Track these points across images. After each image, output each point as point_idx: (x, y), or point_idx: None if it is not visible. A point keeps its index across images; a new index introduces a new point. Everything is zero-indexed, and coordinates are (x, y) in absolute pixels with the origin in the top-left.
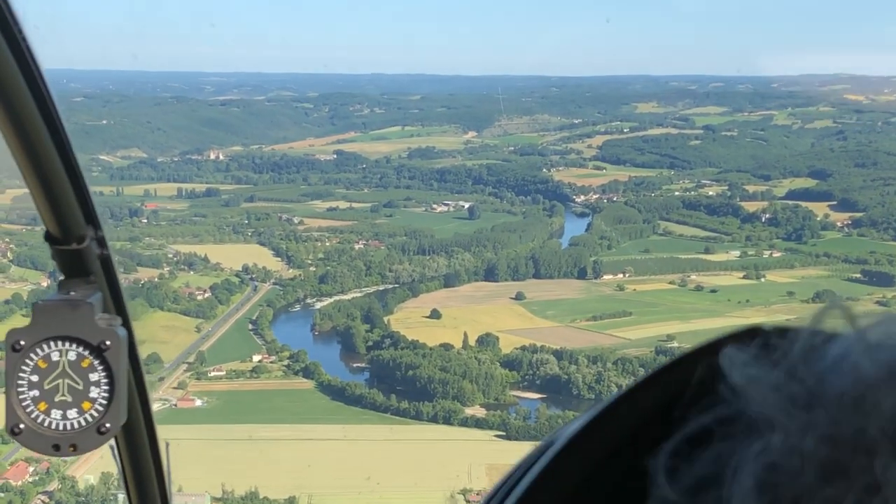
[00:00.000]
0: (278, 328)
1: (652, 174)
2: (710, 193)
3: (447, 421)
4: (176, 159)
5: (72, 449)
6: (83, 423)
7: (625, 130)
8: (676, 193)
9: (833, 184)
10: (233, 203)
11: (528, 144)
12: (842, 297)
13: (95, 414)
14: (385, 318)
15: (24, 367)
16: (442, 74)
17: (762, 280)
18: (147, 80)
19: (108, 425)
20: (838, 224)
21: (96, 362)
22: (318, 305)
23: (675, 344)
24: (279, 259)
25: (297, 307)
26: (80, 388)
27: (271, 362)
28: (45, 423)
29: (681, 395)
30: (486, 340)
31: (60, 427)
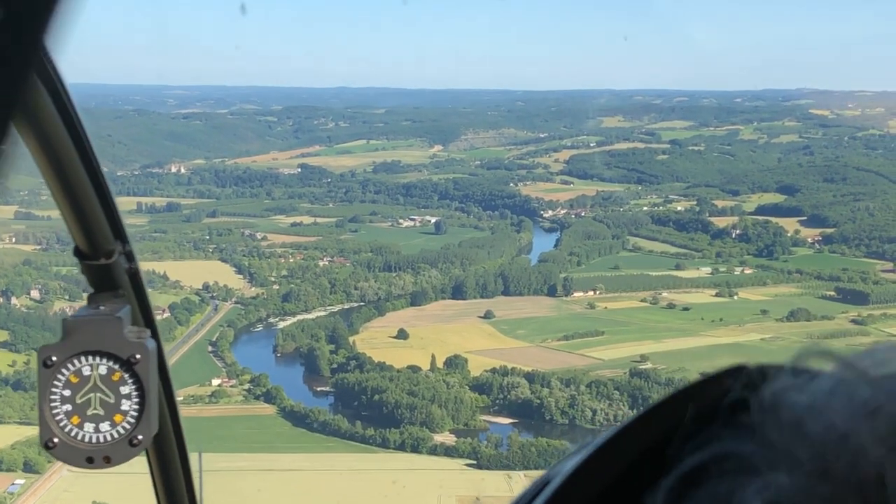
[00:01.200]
0: (239, 350)
1: (620, 189)
2: (679, 209)
3: (415, 449)
4: (136, 173)
5: (105, 461)
6: (116, 435)
7: (591, 145)
8: (645, 208)
9: (802, 199)
10: (194, 218)
11: (494, 158)
12: (815, 315)
13: (127, 426)
14: (350, 339)
15: (56, 383)
16: (407, 88)
17: (735, 298)
18: (108, 94)
19: (140, 437)
20: (809, 240)
21: (127, 375)
22: (281, 325)
23: (650, 365)
24: (241, 276)
25: (260, 327)
26: (112, 401)
27: (231, 386)
28: (79, 437)
29: (674, 432)
30: (455, 362)
31: (93, 440)
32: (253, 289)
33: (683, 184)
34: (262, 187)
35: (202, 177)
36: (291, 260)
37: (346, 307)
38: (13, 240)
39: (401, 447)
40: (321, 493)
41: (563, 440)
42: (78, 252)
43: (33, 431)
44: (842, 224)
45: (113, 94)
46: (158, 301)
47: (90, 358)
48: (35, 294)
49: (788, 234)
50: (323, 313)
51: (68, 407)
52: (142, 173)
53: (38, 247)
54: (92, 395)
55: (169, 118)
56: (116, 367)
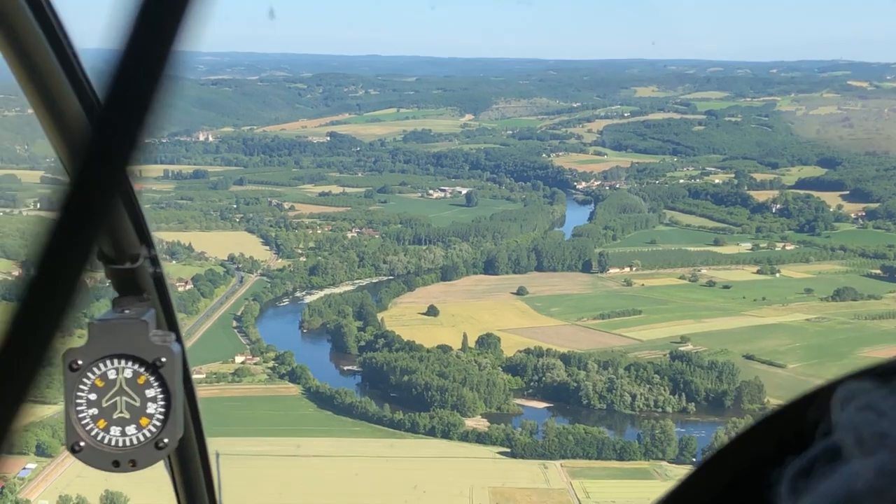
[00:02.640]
0: (264, 325)
1: (655, 160)
2: (717, 181)
3: (446, 435)
4: (164, 140)
5: (131, 465)
6: (142, 438)
7: (625, 115)
8: (681, 181)
9: (844, 172)
10: (221, 186)
11: (526, 128)
12: (862, 294)
13: (153, 429)
14: (378, 315)
15: (81, 386)
16: (438, 57)
17: (777, 275)
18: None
19: (165, 440)
20: (852, 215)
21: (152, 379)
22: (308, 299)
23: (690, 346)
24: (268, 248)
25: (286, 301)
26: (138, 404)
27: (255, 364)
28: (105, 441)
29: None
30: (487, 341)
31: (119, 444)
32: (279, 261)
33: (720, 156)
34: (290, 156)
35: (230, 145)
36: (319, 231)
37: (374, 281)
38: (38, 206)
39: (431, 433)
40: (345, 487)
41: (601, 426)
42: (102, 256)
43: (49, 411)
44: (886, 199)
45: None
46: (183, 273)
47: (116, 361)
48: None
49: (831, 209)
50: (350, 287)
51: (94, 411)
52: (169, 140)
53: None
54: (118, 398)
55: (198, 84)
56: (142, 370)
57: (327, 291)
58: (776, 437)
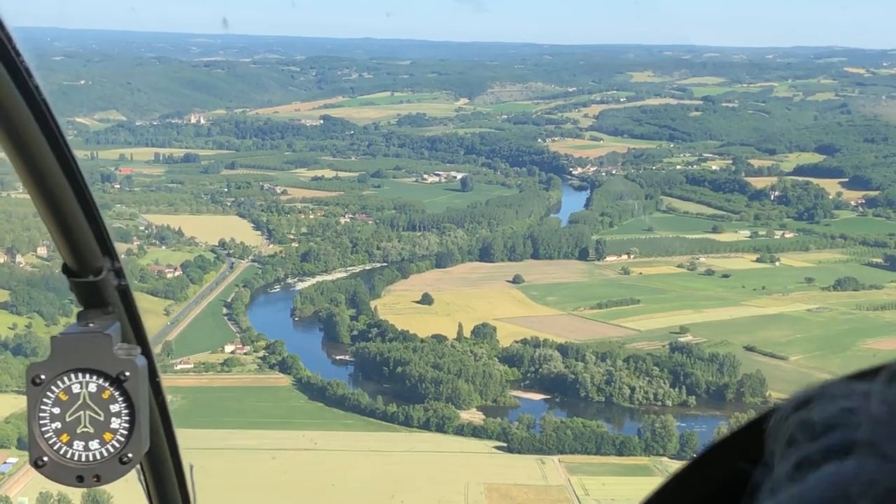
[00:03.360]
0: (255, 312)
1: (651, 146)
2: (714, 168)
3: (440, 428)
4: (155, 123)
5: (95, 479)
6: (105, 453)
7: (621, 100)
8: (678, 167)
9: (842, 159)
10: (212, 169)
11: (521, 113)
12: (864, 284)
13: (117, 444)
14: (372, 303)
15: (45, 400)
16: (432, 40)
17: (776, 264)
18: (133, 41)
19: (130, 455)
20: (852, 203)
21: (116, 393)
22: (300, 286)
23: (690, 337)
24: (259, 233)
25: (277, 288)
26: (102, 419)
27: (245, 353)
28: (68, 455)
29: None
30: (483, 331)
31: (83, 458)
32: (271, 246)
33: (717, 142)
34: (283, 139)
35: (222, 127)
36: (312, 216)
37: (367, 268)
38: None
39: (425, 426)
40: (339, 478)
41: (600, 420)
42: (66, 269)
43: None
44: (886, 187)
45: (136, 42)
46: (172, 258)
47: (79, 375)
48: (42, 251)
49: (830, 197)
50: (343, 274)
51: (58, 425)
52: (161, 123)
53: None
54: (81, 412)
55: (191, 66)
56: (106, 384)
57: (319, 278)
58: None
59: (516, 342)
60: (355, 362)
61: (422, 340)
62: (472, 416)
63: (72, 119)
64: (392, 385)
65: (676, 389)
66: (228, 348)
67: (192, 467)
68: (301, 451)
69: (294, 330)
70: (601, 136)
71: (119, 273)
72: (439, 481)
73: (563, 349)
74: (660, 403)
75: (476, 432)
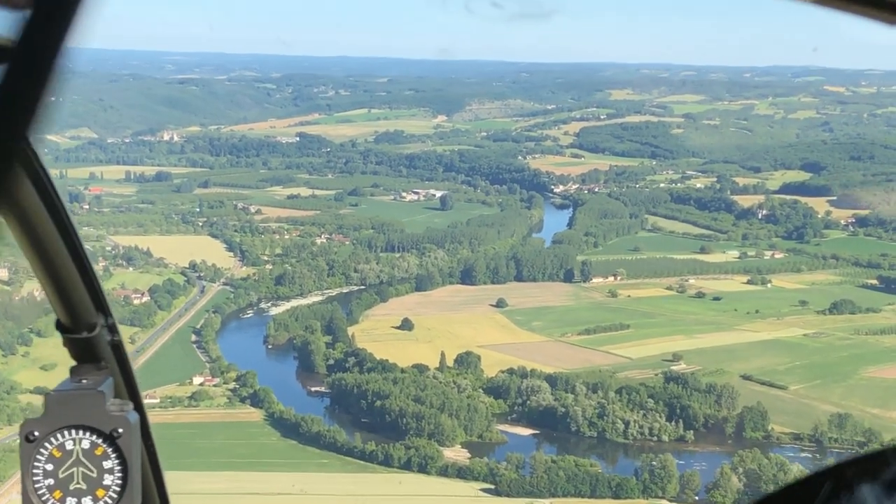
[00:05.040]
0: (226, 339)
1: (633, 163)
2: (699, 186)
3: (423, 469)
4: (127, 140)
5: None
6: None
7: (602, 117)
8: (662, 185)
9: (829, 178)
10: (185, 188)
11: (501, 130)
12: (860, 307)
13: (109, 501)
14: (349, 330)
15: (38, 457)
16: (409, 58)
17: (768, 286)
18: (108, 58)
19: None
20: (842, 222)
21: (110, 450)
22: (274, 311)
23: (683, 365)
24: (232, 254)
25: (250, 313)
26: (95, 475)
27: (214, 386)
28: None
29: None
30: (466, 360)
31: None
32: (244, 268)
33: (700, 159)
34: (258, 156)
35: (196, 145)
36: (287, 237)
37: (344, 291)
38: None
39: (406, 466)
40: None
41: (592, 457)
42: (60, 326)
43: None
44: (876, 206)
45: (111, 59)
46: (140, 282)
47: (73, 432)
48: (2, 274)
49: (819, 216)
50: (319, 298)
51: (51, 481)
52: (133, 141)
53: None
54: (74, 469)
55: (164, 83)
56: (99, 441)
57: (294, 303)
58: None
59: (502, 372)
60: (332, 394)
61: (402, 371)
62: (456, 453)
63: (41, 137)
64: (371, 419)
65: (673, 423)
66: (197, 380)
67: None
68: (274, 496)
69: (267, 359)
70: (582, 154)
71: (112, 329)
72: None
73: (552, 379)
74: (656, 439)
75: (461, 473)
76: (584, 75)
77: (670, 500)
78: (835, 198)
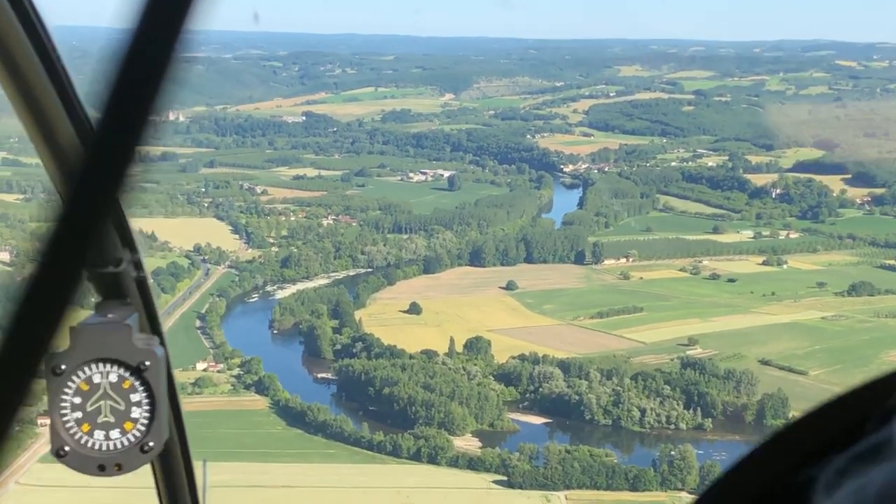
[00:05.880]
0: (231, 324)
1: (644, 142)
2: (710, 164)
3: (432, 459)
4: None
5: (117, 468)
6: (126, 443)
7: (611, 94)
8: (673, 164)
9: (843, 155)
10: (190, 169)
11: (509, 108)
12: (879, 289)
13: (138, 434)
14: (356, 314)
15: (66, 390)
16: (416, 35)
17: (784, 267)
18: (114, 36)
19: (151, 444)
20: (857, 201)
21: (137, 383)
22: (279, 295)
23: (699, 350)
24: (237, 237)
25: (255, 297)
26: (122, 408)
27: (218, 372)
28: (89, 445)
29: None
30: (476, 345)
31: (104, 448)
32: (249, 251)
33: (711, 137)
34: (264, 136)
35: (201, 125)
36: (293, 218)
37: (351, 274)
38: None
39: (415, 457)
40: None
41: (607, 446)
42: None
43: None
44: (892, 184)
45: (117, 37)
46: None
47: (100, 365)
48: (4, 256)
49: (834, 194)
50: (326, 281)
51: (78, 415)
52: None
53: (22, 196)
54: (102, 402)
55: None
56: (127, 374)
57: (300, 286)
58: (822, 433)
59: (513, 358)
60: (338, 381)
61: (411, 356)
62: (467, 443)
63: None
64: (379, 407)
65: (691, 411)
66: (200, 366)
67: (204, 462)
68: (279, 489)
69: (272, 344)
70: (591, 132)
71: (138, 265)
72: None
73: (565, 365)
74: (673, 427)
75: (472, 464)
76: (592, 52)
77: (690, 493)
78: (849, 176)
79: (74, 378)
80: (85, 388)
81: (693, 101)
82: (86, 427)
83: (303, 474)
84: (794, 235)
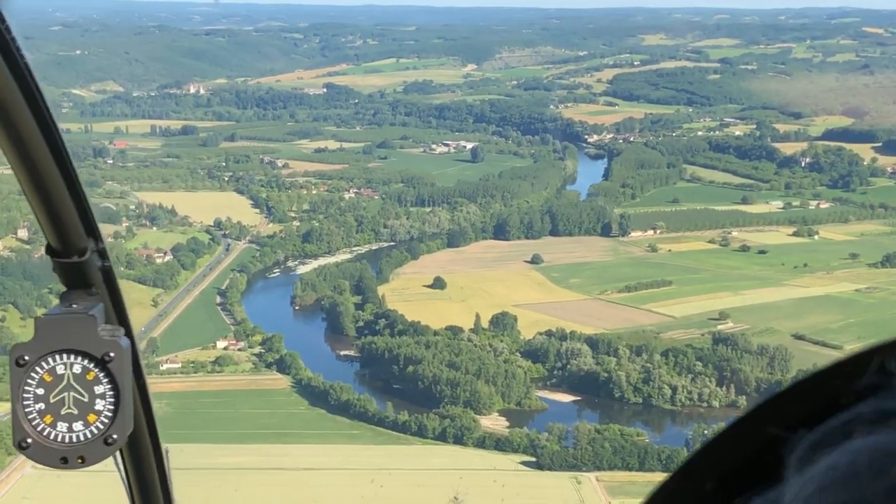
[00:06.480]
0: (252, 300)
1: (669, 111)
2: (738, 133)
3: (459, 440)
4: (153, 94)
5: (80, 461)
6: (89, 435)
7: (635, 63)
8: (700, 133)
9: (873, 123)
10: (211, 142)
11: (532, 78)
12: None
13: (101, 426)
14: (379, 290)
15: (29, 381)
16: (436, 6)
17: (815, 237)
18: (135, 10)
19: (114, 436)
20: (889, 169)
21: (101, 374)
22: (301, 270)
23: (730, 324)
24: (258, 211)
25: (276, 272)
26: (86, 400)
27: (239, 350)
28: (52, 437)
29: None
30: (502, 321)
31: (67, 440)
32: (270, 225)
33: (738, 105)
34: (285, 108)
35: (222, 98)
36: (314, 192)
37: (374, 248)
38: None
39: (441, 437)
40: None
41: (638, 425)
42: (50, 250)
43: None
44: None
45: (138, 11)
46: (163, 241)
47: (64, 356)
48: (23, 233)
49: (865, 163)
50: (348, 255)
51: (41, 406)
52: (159, 94)
53: None
54: (66, 394)
55: (191, 35)
56: (90, 365)
57: (322, 261)
58: (798, 408)
59: (540, 334)
60: (361, 359)
61: (435, 333)
62: (493, 422)
63: (67, 90)
64: (403, 386)
65: (723, 388)
66: (221, 344)
67: (166, 451)
68: (300, 472)
69: (294, 320)
70: (616, 102)
71: (103, 254)
72: None
73: (593, 342)
74: (706, 405)
75: (499, 445)
76: (615, 20)
77: None
78: (879, 144)
79: (38, 369)
80: (48, 379)
81: (719, 69)
82: (48, 419)
83: (325, 455)
84: (824, 205)
